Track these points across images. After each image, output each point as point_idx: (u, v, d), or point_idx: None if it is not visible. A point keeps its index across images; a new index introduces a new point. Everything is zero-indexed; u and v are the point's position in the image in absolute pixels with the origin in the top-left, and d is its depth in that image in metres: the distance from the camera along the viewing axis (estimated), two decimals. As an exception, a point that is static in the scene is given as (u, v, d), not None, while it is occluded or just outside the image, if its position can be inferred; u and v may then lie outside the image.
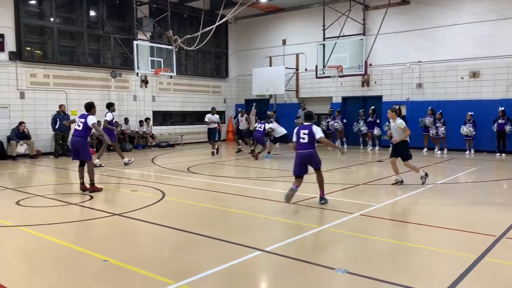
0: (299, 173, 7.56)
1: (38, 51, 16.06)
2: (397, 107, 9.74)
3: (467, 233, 5.89)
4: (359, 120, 17.93)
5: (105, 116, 12.62)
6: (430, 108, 16.24)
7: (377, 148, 17.56)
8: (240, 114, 17.25)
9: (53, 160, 14.52)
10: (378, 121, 17.48)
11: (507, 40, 15.42)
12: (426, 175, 9.17)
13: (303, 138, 7.46)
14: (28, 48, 15.58)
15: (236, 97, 23.51)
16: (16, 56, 14.98)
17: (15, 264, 4.91)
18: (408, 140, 9.24)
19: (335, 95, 19.69)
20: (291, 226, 6.40)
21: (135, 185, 9.71)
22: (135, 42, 16.92)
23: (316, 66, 17.64)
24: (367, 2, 17.52)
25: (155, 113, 19.71)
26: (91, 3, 17.26)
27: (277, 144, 16.55)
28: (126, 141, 17.50)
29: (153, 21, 18.42)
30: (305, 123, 7.69)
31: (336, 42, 17.05)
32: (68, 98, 16.15)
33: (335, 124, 18.17)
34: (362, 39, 16.54)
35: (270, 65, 21.55)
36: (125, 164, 12.75)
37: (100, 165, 12.40)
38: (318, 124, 19.76)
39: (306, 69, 20.45)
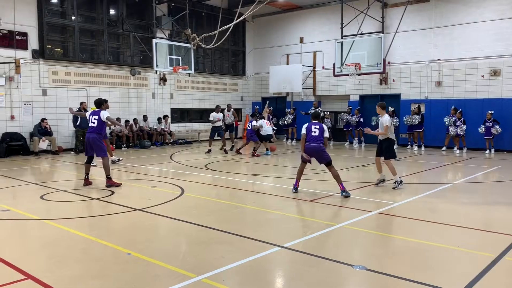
0: (304, 160, 8.36)
1: (60, 49, 16.40)
2: (392, 108, 9.84)
3: (486, 233, 5.87)
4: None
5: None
6: (453, 107, 16.08)
7: (395, 146, 17.39)
8: (226, 108, 16.70)
9: (74, 156, 14.83)
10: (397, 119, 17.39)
11: (530, 37, 15.17)
12: (401, 182, 8.75)
13: (315, 132, 8.17)
14: (50, 46, 15.91)
15: (253, 95, 23.60)
16: (39, 54, 15.33)
17: (41, 255, 5.08)
18: (394, 139, 9.04)
19: (352, 93, 19.61)
20: (309, 223, 6.46)
21: (155, 181, 9.89)
22: (154, 40, 17.13)
23: (334, 64, 17.60)
24: (386, 0, 17.39)
25: (173, 111, 19.93)
26: (111, 1, 17.54)
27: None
28: (144, 138, 17.76)
29: (172, 20, 18.61)
30: (315, 121, 8.38)
31: (354, 40, 16.99)
32: (88, 96, 16.45)
33: (353, 118, 18.07)
34: (381, 37, 16.45)
35: (287, 63, 21.57)
36: (113, 161, 12.37)
37: (119, 159, 12.77)
38: (336, 121, 19.77)
39: (323, 67, 20.40)
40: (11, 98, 14.79)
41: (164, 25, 18.25)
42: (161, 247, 5.33)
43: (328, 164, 8.10)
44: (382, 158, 8.96)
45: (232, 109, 16.91)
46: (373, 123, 16.49)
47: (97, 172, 10.56)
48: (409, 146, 17.19)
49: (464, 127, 15.53)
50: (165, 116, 19.06)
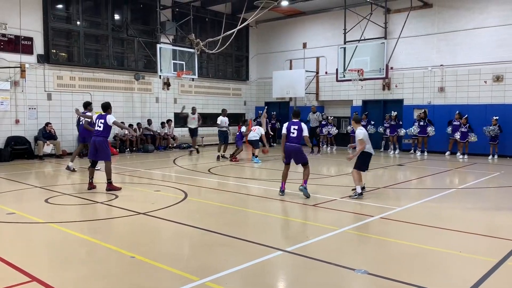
0: (288, 162, 8.66)
1: (65, 54, 16.53)
2: (367, 115, 9.57)
3: (488, 238, 5.88)
4: (385, 123, 17.80)
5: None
6: (457, 112, 16.12)
7: (398, 152, 17.46)
8: (192, 111, 16.55)
9: (78, 160, 14.87)
10: (401, 122, 17.45)
11: (533, 43, 15.21)
12: (361, 194, 8.20)
13: (293, 133, 8.42)
14: (55, 51, 16.05)
15: (256, 100, 23.67)
16: (44, 59, 15.46)
17: (46, 258, 5.14)
18: (371, 152, 8.40)
19: (355, 98, 19.66)
20: (311, 227, 6.49)
21: (158, 185, 9.94)
22: (158, 45, 17.25)
23: (337, 70, 17.66)
24: (389, 5, 17.46)
25: (176, 115, 20.00)
26: (116, 7, 17.68)
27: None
28: (148, 142, 17.84)
29: (176, 25, 18.73)
30: (294, 120, 8.59)
31: (357, 46, 17.04)
32: (93, 100, 16.51)
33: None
34: (384, 42, 16.50)
35: (291, 68, 21.65)
36: (68, 167, 11.89)
37: (74, 169, 11.89)
38: (339, 127, 19.80)
39: (326, 72, 20.47)
40: (16, 102, 14.90)
41: (168, 31, 18.38)
42: (165, 250, 5.37)
43: (304, 164, 8.49)
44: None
45: (197, 113, 16.75)
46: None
47: (100, 176, 10.62)
48: (412, 151, 17.21)
49: (474, 135, 15.52)
50: (169, 121, 19.14)
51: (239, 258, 4.93)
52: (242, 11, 18.14)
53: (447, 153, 16.45)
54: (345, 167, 13.25)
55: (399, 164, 14.30)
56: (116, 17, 17.86)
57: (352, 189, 8.52)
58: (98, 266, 4.76)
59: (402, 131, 17.19)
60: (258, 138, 14.58)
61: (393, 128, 17.47)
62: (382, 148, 18.23)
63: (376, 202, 8.10)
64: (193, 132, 16.68)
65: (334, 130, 19.11)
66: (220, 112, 15.97)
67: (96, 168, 9.55)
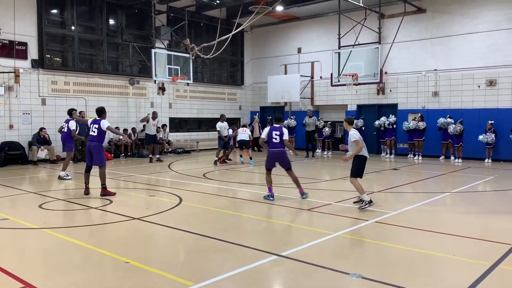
0: (270, 167, 8.68)
1: (59, 59, 16.50)
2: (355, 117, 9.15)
3: (482, 241, 5.91)
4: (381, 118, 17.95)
5: (68, 124, 11.68)
6: (448, 116, 16.23)
7: (393, 156, 17.53)
8: (152, 116, 15.88)
9: (72, 165, 14.82)
10: (395, 126, 17.55)
11: (525, 48, 15.35)
12: (371, 201, 7.72)
13: (275, 138, 8.50)
14: (50, 56, 16.01)
15: (251, 105, 23.70)
16: (38, 64, 15.42)
17: (39, 264, 5.11)
18: (366, 155, 7.89)
19: (350, 103, 19.73)
20: (306, 231, 6.49)
21: (153, 190, 9.92)
22: (153, 50, 17.25)
23: (331, 74, 17.73)
24: (383, 11, 17.58)
25: (171, 120, 20.00)
26: (111, 12, 17.68)
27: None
28: (143, 147, 17.78)
29: (171, 30, 18.76)
30: (276, 125, 8.71)
31: (351, 51, 17.14)
32: (87, 105, 16.52)
33: (358, 122, 18.23)
34: (378, 47, 16.59)
35: (285, 73, 21.71)
36: (60, 176, 11.51)
37: (66, 176, 11.55)
38: (334, 131, 19.86)
39: (321, 77, 20.54)
40: (10, 108, 14.84)
41: (163, 35, 18.38)
42: (159, 255, 5.36)
43: (288, 169, 8.57)
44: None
45: (157, 118, 16.24)
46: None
47: (95, 181, 10.57)
48: (410, 155, 17.27)
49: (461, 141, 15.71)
50: (164, 125, 19.12)
51: (234, 263, 4.93)
52: (237, 16, 18.22)
53: (441, 157, 16.54)
54: (340, 171, 13.28)
55: (394, 168, 14.35)
56: (111, 22, 17.86)
57: (354, 202, 7.98)
58: (92, 272, 4.74)
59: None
60: (249, 139, 14.72)
61: (390, 132, 17.56)
62: (378, 152, 18.31)
63: (371, 206, 8.11)
64: (153, 139, 15.90)
65: (328, 133, 19.19)
66: (219, 117, 15.92)
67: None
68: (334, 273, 4.65)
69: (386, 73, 17.88)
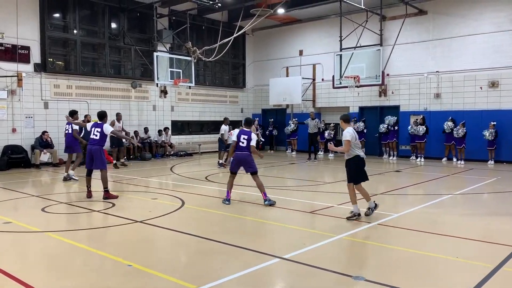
0: (234, 170, 8.69)
1: (62, 63, 16.56)
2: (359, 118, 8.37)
3: (485, 243, 5.89)
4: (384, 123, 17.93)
5: (72, 125, 11.73)
6: (450, 118, 16.22)
7: (395, 158, 17.51)
8: (116, 118, 15.72)
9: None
10: (396, 128, 17.50)
11: (527, 49, 15.34)
12: (376, 206, 7.30)
13: (243, 142, 8.48)
14: (52, 60, 16.07)
15: (253, 107, 23.72)
16: (41, 68, 15.48)
17: (42, 267, 5.12)
18: (363, 156, 7.27)
19: (352, 105, 19.73)
20: (309, 234, 6.49)
21: (155, 193, 9.93)
22: (155, 54, 17.29)
23: (333, 76, 17.73)
24: (384, 13, 17.58)
25: (173, 123, 20.02)
26: (113, 16, 17.75)
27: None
28: (145, 150, 17.82)
29: (173, 33, 18.81)
30: (245, 129, 8.67)
31: (353, 53, 17.13)
32: (90, 108, 16.56)
33: (359, 124, 18.26)
34: (379, 49, 16.58)
35: (287, 75, 21.73)
36: (68, 175, 11.73)
37: (73, 177, 11.70)
38: (336, 133, 19.86)
39: (323, 79, 20.55)
40: (13, 111, 14.89)
41: (165, 39, 18.43)
42: (162, 258, 5.37)
43: (254, 173, 8.52)
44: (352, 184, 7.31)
45: (122, 120, 15.96)
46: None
47: (97, 185, 10.59)
48: (412, 157, 17.25)
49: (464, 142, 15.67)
50: (166, 128, 19.15)
51: (236, 266, 4.93)
52: (239, 19, 18.25)
53: (444, 159, 16.52)
54: (343, 174, 13.26)
55: (396, 170, 14.33)
56: (113, 25, 17.92)
57: (368, 211, 7.31)
58: (95, 275, 4.75)
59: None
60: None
61: (392, 134, 17.55)
62: (380, 154, 18.30)
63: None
64: (118, 142, 15.31)
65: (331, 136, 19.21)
66: (221, 120, 15.95)
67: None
68: (337, 275, 4.64)
69: (388, 75, 17.89)
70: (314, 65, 21.00)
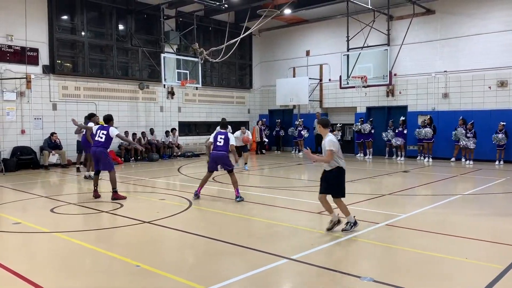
0: (212, 169, 9.18)
1: (70, 64, 16.67)
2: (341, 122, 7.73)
3: (495, 244, 5.84)
4: (388, 130, 17.85)
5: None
6: (461, 118, 16.11)
7: (403, 158, 17.41)
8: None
9: (83, 169, 14.94)
10: (405, 131, 17.36)
11: (536, 48, 15.19)
12: (355, 223, 6.43)
13: (220, 142, 9.01)
14: (60, 62, 16.19)
15: (260, 108, 23.72)
16: (49, 70, 15.59)
17: (51, 268, 5.15)
18: (344, 167, 6.39)
19: (359, 105, 19.66)
20: (317, 235, 6.47)
21: (163, 194, 9.96)
22: (162, 55, 17.36)
23: (340, 77, 17.66)
24: (391, 13, 17.49)
25: (181, 124, 20.08)
26: (120, 17, 17.84)
27: None
28: (152, 151, 17.88)
29: (180, 34, 18.87)
30: (222, 130, 9.25)
31: (360, 53, 17.06)
32: (97, 110, 16.64)
33: (366, 127, 18.17)
34: (387, 49, 16.49)
35: (294, 76, 21.71)
36: (85, 176, 12.23)
37: (90, 176, 11.83)
38: (343, 134, 19.83)
39: (330, 80, 20.50)
40: (22, 113, 15.02)
41: (172, 40, 18.49)
42: (170, 259, 5.38)
43: (230, 171, 8.97)
44: (325, 195, 6.44)
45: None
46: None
47: (105, 185, 10.65)
48: (419, 158, 17.15)
49: (471, 142, 15.48)
50: (173, 129, 19.21)
51: (244, 267, 4.93)
52: (245, 20, 18.26)
53: (452, 159, 16.39)
54: (353, 174, 13.23)
55: (405, 170, 14.25)
56: (120, 27, 18.01)
57: (329, 224, 6.48)
58: (103, 275, 4.77)
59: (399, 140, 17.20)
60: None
61: (400, 134, 17.45)
62: (387, 155, 18.22)
63: (381, 209, 8.08)
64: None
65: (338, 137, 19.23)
66: (228, 121, 15.85)
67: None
68: (345, 276, 4.62)
69: (395, 75, 17.81)
70: (321, 66, 20.96)
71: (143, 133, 18.04)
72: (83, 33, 16.65)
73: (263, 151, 21.12)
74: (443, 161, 16.40)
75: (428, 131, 16.35)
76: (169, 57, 17.71)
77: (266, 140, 21.01)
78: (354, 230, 6.37)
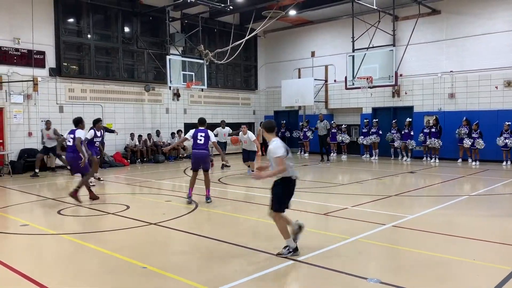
0: (195, 168, 8.97)
1: (76, 67, 16.77)
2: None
3: (502, 245, 5.80)
4: (391, 130, 17.81)
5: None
6: (464, 118, 16.02)
7: (409, 159, 17.34)
8: (46, 128, 14.41)
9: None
10: (412, 133, 17.26)
11: (543, 48, 15.07)
12: (296, 249, 5.31)
13: (200, 140, 8.78)
14: (67, 64, 16.29)
15: (265, 109, 23.73)
16: (56, 72, 15.69)
17: (59, 269, 5.17)
18: (294, 176, 5.51)
19: (365, 106, 19.61)
20: (323, 236, 6.46)
21: (169, 196, 9.98)
22: (167, 57, 17.42)
23: (346, 77, 17.63)
24: (397, 13, 17.44)
25: (186, 125, 20.10)
26: (126, 20, 17.93)
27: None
28: (158, 152, 17.94)
29: (185, 36, 18.93)
30: (201, 128, 9.00)
31: (365, 53, 17.02)
32: (104, 112, 16.75)
33: (372, 137, 18.13)
34: (392, 49, 16.44)
35: (299, 77, 21.69)
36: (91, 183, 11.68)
37: (99, 178, 12.13)
38: (349, 135, 19.77)
39: (335, 80, 20.47)
40: (29, 115, 15.12)
41: (178, 42, 18.56)
42: (176, 260, 5.39)
43: (206, 171, 8.93)
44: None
45: (51, 128, 14.43)
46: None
47: (108, 188, 10.71)
48: (424, 159, 17.07)
49: (481, 141, 15.33)
50: (179, 131, 19.25)
51: (251, 268, 4.92)
52: (250, 22, 18.28)
53: (459, 160, 16.29)
54: (359, 175, 13.19)
55: (411, 171, 14.19)
56: (126, 29, 18.09)
57: (278, 254, 5.34)
58: (110, 277, 4.79)
59: (413, 143, 17.09)
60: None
61: (406, 135, 17.37)
62: (392, 156, 18.15)
63: (388, 210, 8.05)
64: (52, 150, 14.26)
65: (346, 138, 19.19)
66: (233, 122, 15.97)
67: (91, 184, 9.76)
68: (352, 277, 4.61)
69: (401, 75, 17.74)
70: (326, 66, 20.93)
71: (149, 135, 18.09)
72: (89, 36, 16.74)
73: None
74: (449, 162, 16.31)
75: (433, 140, 16.33)
76: (174, 59, 17.77)
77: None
78: (293, 256, 5.20)
